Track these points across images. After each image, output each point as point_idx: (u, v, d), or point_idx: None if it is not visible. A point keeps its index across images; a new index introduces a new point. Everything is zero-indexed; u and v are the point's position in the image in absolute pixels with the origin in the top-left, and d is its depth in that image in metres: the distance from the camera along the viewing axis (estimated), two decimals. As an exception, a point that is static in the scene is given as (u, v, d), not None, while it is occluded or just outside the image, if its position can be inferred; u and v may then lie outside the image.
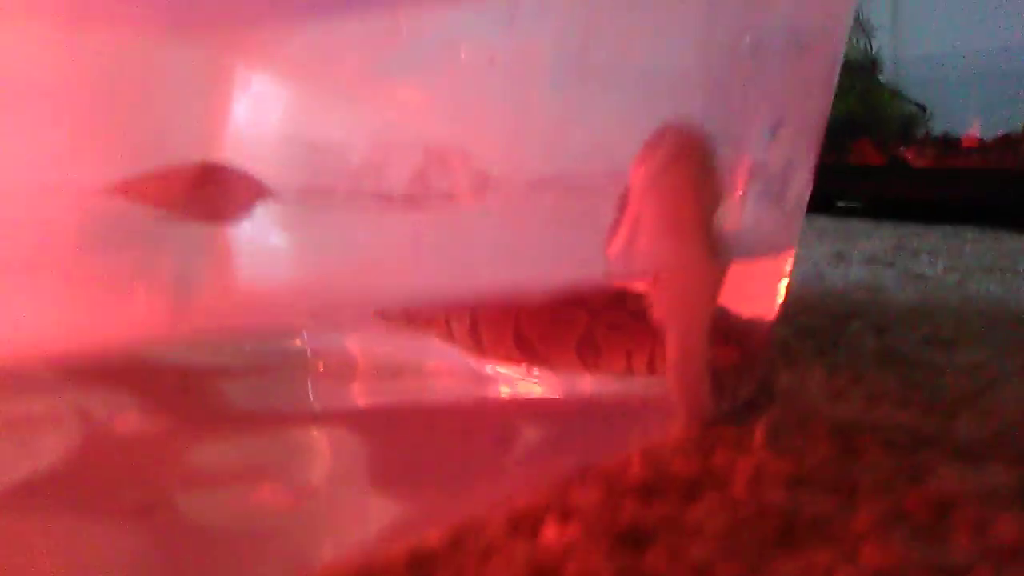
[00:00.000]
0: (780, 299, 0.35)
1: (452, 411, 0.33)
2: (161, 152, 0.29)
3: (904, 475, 0.26)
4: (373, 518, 0.26)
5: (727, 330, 0.34)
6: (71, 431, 0.27)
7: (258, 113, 0.32)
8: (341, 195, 0.33)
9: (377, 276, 0.32)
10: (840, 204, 1.34)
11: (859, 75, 1.33)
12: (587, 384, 0.34)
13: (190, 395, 0.30)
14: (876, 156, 1.36)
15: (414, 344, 0.35)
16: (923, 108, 1.44)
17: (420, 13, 0.31)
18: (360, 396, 0.34)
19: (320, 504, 0.26)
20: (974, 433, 0.30)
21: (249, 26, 0.31)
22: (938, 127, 1.47)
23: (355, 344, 0.34)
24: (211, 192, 0.30)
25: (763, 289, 0.34)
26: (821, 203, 1.34)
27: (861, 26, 1.36)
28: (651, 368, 0.34)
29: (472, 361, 0.34)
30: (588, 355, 0.34)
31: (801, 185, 0.33)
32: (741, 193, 0.33)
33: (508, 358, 0.34)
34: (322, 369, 0.32)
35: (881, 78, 1.42)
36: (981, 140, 1.30)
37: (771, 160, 0.33)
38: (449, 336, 0.34)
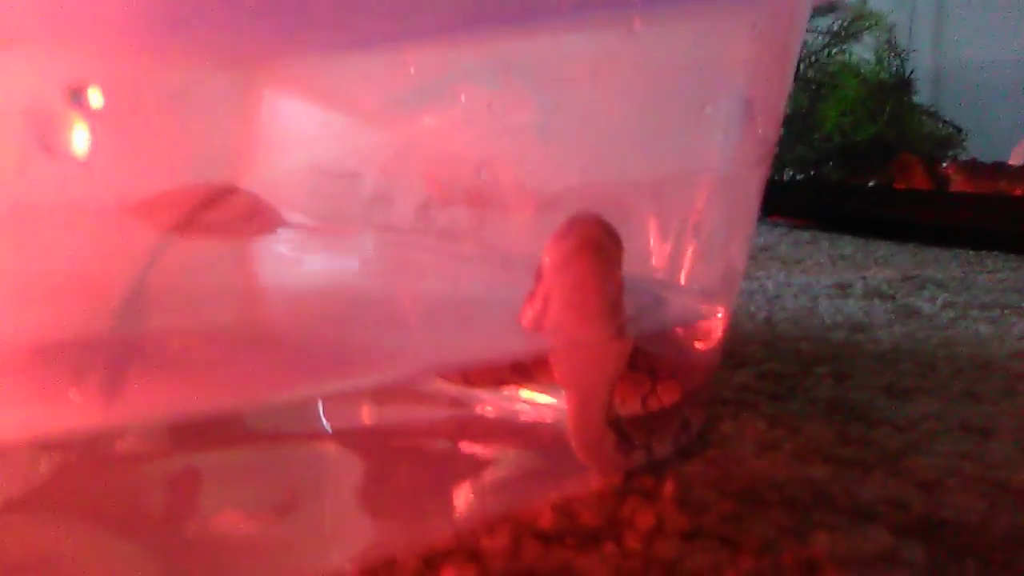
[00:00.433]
0: (717, 351, 0.38)
1: (441, 433, 0.36)
2: (181, 175, 0.32)
3: (791, 533, 0.29)
4: (340, 543, 0.29)
5: (671, 367, 0.37)
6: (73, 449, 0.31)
7: (275, 140, 0.36)
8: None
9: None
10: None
11: (890, 96, 1.33)
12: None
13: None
14: (914, 178, 1.36)
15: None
16: (959, 129, 1.43)
17: (425, 55, 0.34)
18: (368, 418, 0.36)
19: (282, 529, 0.30)
20: (877, 494, 0.32)
21: (271, 58, 0.35)
22: (981, 148, 1.46)
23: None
24: (226, 214, 0.33)
25: (699, 341, 0.37)
26: (846, 222, 1.35)
27: (893, 48, 1.36)
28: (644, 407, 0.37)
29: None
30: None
31: (736, 250, 0.36)
32: (674, 251, 0.37)
33: (501, 381, 0.37)
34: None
35: (916, 99, 1.42)
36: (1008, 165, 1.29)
37: (708, 222, 0.36)
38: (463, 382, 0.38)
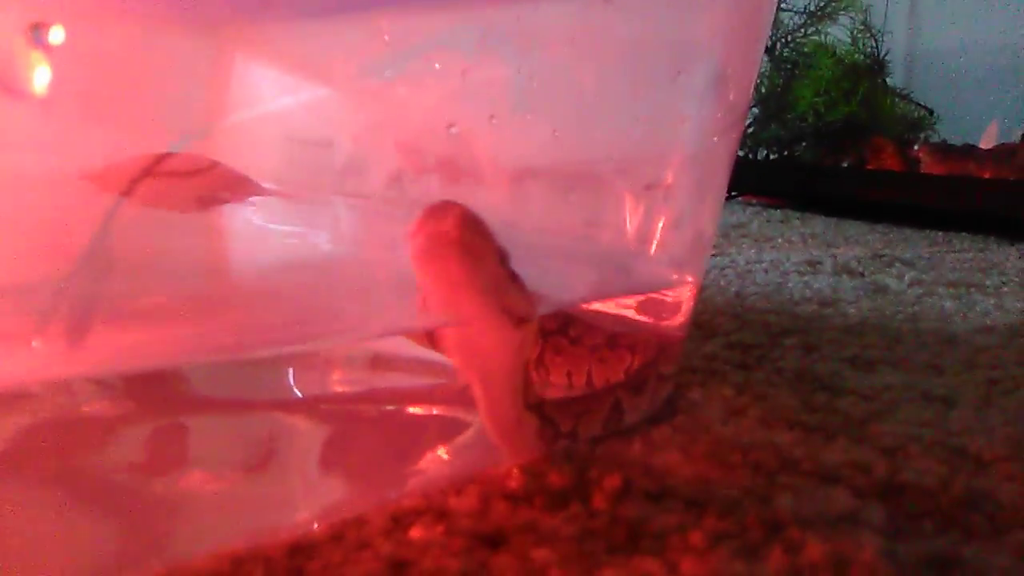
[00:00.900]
0: (685, 320, 0.38)
1: (412, 400, 0.36)
2: (151, 142, 0.32)
3: (755, 496, 0.29)
4: (308, 502, 0.29)
5: (626, 339, 0.37)
6: (39, 410, 0.31)
7: (249, 109, 0.36)
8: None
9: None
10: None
11: (864, 77, 1.34)
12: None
13: (163, 384, 0.33)
14: (887, 159, 1.37)
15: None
16: (930, 111, 1.45)
17: (400, 23, 0.34)
18: (338, 385, 0.36)
19: (250, 487, 0.30)
20: (840, 459, 0.33)
21: (244, 23, 0.34)
22: (952, 130, 1.48)
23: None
24: (197, 183, 0.33)
25: (668, 311, 0.37)
26: (816, 201, 1.36)
27: (868, 29, 1.37)
28: (589, 384, 0.38)
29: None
30: (541, 373, 0.38)
31: (706, 218, 0.36)
32: (644, 219, 0.37)
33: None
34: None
35: (890, 81, 1.43)
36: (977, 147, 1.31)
37: (678, 190, 0.36)
38: (430, 345, 0.38)
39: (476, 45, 0.36)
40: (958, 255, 1.00)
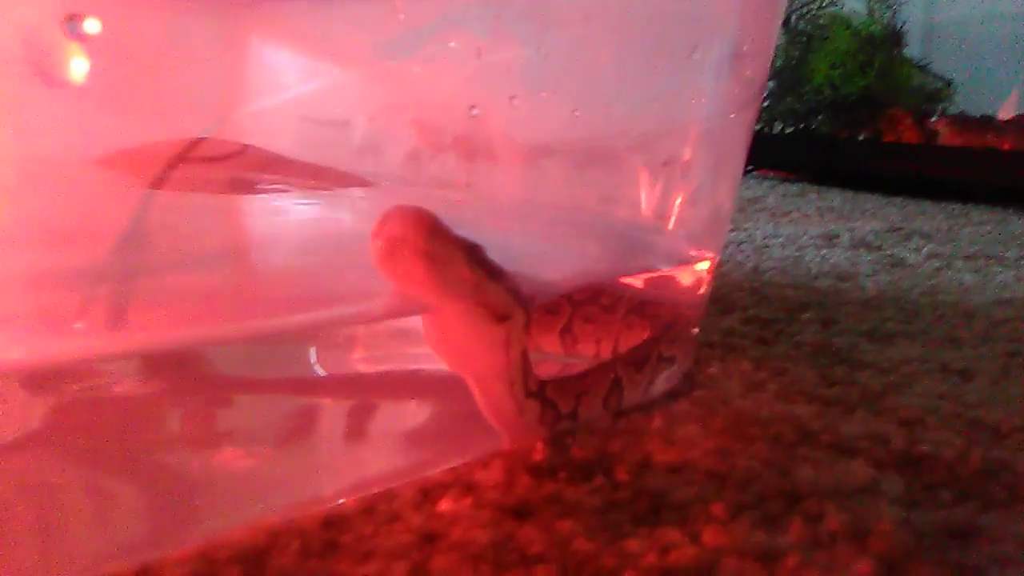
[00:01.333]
0: (705, 296, 0.39)
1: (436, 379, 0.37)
2: (170, 125, 0.32)
3: (775, 468, 0.30)
4: (338, 477, 0.30)
5: (654, 308, 0.38)
6: (75, 389, 0.32)
7: (267, 90, 0.36)
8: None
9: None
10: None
11: (881, 49, 1.33)
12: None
13: (192, 365, 0.33)
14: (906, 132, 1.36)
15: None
16: (948, 82, 1.43)
17: (415, 1, 0.34)
18: (361, 363, 0.37)
19: (281, 463, 0.30)
20: (858, 431, 0.33)
21: (259, 3, 0.34)
22: (970, 101, 1.46)
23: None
24: (222, 167, 0.33)
25: (684, 287, 0.38)
26: (834, 176, 1.35)
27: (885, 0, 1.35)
28: (615, 353, 0.38)
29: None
30: (568, 341, 0.38)
31: (723, 194, 0.36)
32: (662, 195, 0.37)
33: None
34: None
35: (907, 52, 1.41)
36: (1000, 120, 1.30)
37: (696, 166, 0.37)
38: None
39: (491, 23, 0.36)
40: (976, 227, 0.99)
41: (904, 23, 1.40)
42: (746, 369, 0.40)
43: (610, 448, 0.31)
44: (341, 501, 0.27)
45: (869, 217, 1.03)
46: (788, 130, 1.49)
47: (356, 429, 0.32)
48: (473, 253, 0.26)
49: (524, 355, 0.29)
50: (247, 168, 0.33)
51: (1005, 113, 1.41)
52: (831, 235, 0.84)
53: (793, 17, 1.42)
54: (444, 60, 0.36)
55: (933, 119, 1.43)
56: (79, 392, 0.28)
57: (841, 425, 0.34)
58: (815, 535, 0.26)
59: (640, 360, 0.35)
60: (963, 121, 1.37)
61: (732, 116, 0.38)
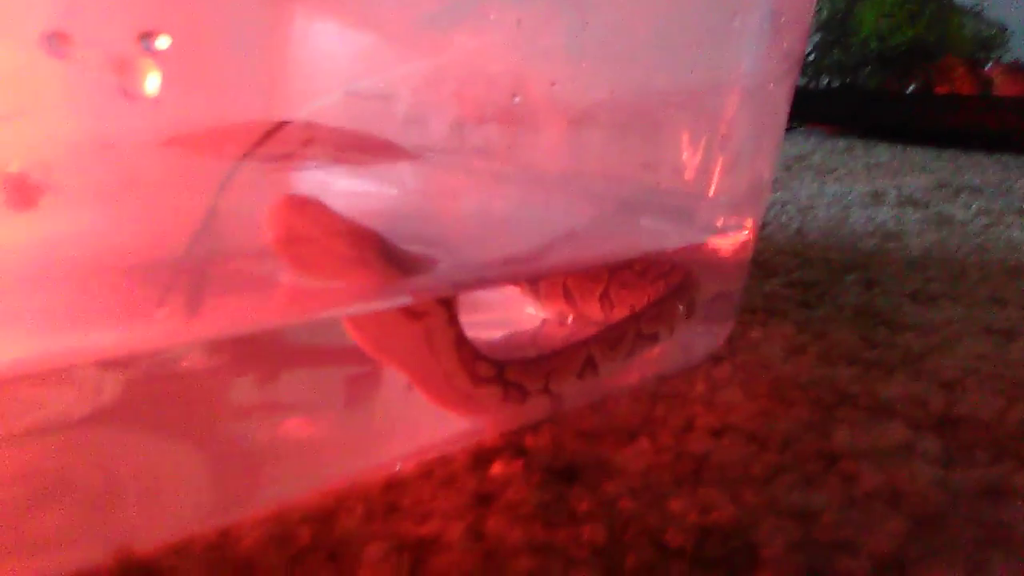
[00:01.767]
0: (743, 261, 0.39)
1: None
2: (225, 105, 0.34)
3: (814, 430, 0.31)
4: (395, 443, 0.32)
5: (670, 273, 0.39)
6: (138, 366, 0.34)
7: (307, 64, 0.37)
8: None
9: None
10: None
11: (930, -2, 1.30)
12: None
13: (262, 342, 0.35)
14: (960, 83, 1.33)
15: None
16: (1003, 28, 1.39)
17: None
18: None
19: (343, 430, 0.32)
20: (897, 393, 0.34)
21: None
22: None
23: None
24: (280, 151, 0.35)
25: (724, 255, 0.39)
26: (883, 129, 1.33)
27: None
28: None
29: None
30: (606, 306, 0.40)
31: (763, 164, 0.37)
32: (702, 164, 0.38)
33: (555, 305, 0.40)
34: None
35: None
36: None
37: (735, 136, 0.37)
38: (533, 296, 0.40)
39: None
40: (1030, 180, 0.97)
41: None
42: (788, 333, 0.41)
43: (654, 413, 0.32)
44: (399, 466, 0.29)
45: (918, 172, 1.02)
46: (835, 84, 1.46)
47: (413, 397, 0.34)
48: (378, 245, 0.27)
49: (459, 346, 0.29)
50: (291, 144, 0.34)
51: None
52: (878, 192, 0.83)
53: (840, -33, 1.39)
54: (485, 30, 0.36)
55: (987, 67, 1.39)
56: (147, 368, 0.30)
57: (880, 387, 0.35)
58: (851, 495, 0.27)
59: (614, 339, 0.35)
60: (1019, 69, 1.33)
61: (771, 86, 0.39)
